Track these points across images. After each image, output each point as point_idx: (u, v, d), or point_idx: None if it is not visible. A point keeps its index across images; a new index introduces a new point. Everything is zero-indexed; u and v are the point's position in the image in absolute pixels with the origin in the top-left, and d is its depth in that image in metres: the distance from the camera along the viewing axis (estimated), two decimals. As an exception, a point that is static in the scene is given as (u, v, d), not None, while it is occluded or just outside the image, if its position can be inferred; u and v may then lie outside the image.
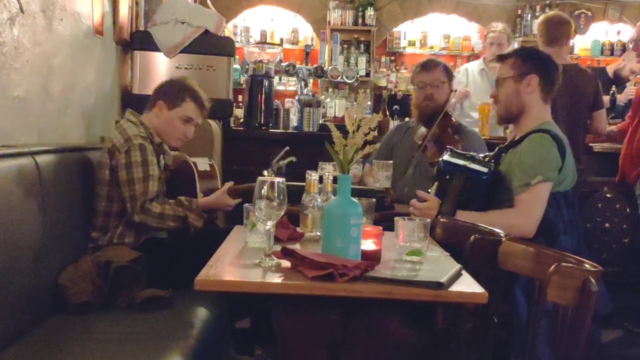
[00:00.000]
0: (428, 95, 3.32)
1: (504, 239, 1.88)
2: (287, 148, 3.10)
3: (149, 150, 2.68)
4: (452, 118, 3.31)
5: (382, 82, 7.30)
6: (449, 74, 3.39)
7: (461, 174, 2.50)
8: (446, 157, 2.59)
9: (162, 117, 2.83)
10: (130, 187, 2.61)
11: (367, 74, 7.21)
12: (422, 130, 3.34)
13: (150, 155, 2.67)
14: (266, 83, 4.26)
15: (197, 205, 2.71)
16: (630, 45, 4.39)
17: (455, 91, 4.52)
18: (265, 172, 2.70)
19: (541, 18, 4.12)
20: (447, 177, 2.52)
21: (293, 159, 3.06)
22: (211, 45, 3.92)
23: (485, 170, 2.50)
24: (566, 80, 3.71)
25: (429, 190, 2.57)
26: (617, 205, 4.28)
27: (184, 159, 3.03)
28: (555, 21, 3.96)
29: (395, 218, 1.85)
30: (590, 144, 4.13)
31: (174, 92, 2.85)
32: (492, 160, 2.59)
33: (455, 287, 1.64)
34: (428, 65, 3.39)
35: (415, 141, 3.35)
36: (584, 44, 7.65)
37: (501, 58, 2.69)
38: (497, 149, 2.68)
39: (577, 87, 3.79)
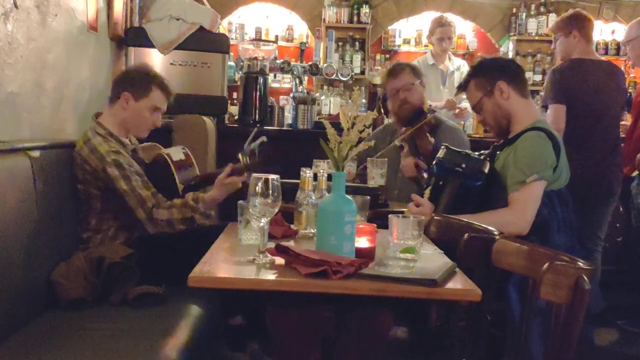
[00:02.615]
0: (402, 99, 3.35)
1: (498, 237, 1.88)
2: (256, 129, 3.11)
3: (123, 161, 2.59)
4: (430, 117, 3.31)
5: (377, 80, 7.28)
6: (417, 74, 3.41)
7: (455, 180, 2.49)
8: (441, 156, 2.57)
9: (128, 109, 2.72)
10: (130, 201, 2.57)
11: (362, 72, 7.19)
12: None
13: (127, 165, 2.58)
14: (261, 80, 4.25)
15: (204, 202, 2.61)
16: (623, 47, 4.36)
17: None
18: (240, 156, 2.66)
19: (576, 16, 3.82)
20: (441, 182, 2.51)
21: (264, 138, 3.03)
22: (206, 42, 3.92)
23: (479, 175, 2.48)
24: (604, 76, 3.67)
25: (424, 194, 2.55)
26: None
27: (157, 150, 2.91)
28: (589, 19, 3.82)
29: (390, 216, 1.85)
30: None
31: (139, 82, 2.74)
32: (487, 159, 2.58)
33: (449, 285, 1.64)
34: (395, 71, 3.41)
35: (396, 144, 3.38)
36: (578, 43, 7.64)
37: (462, 88, 2.76)
38: (492, 146, 2.68)
39: (616, 83, 3.70)
